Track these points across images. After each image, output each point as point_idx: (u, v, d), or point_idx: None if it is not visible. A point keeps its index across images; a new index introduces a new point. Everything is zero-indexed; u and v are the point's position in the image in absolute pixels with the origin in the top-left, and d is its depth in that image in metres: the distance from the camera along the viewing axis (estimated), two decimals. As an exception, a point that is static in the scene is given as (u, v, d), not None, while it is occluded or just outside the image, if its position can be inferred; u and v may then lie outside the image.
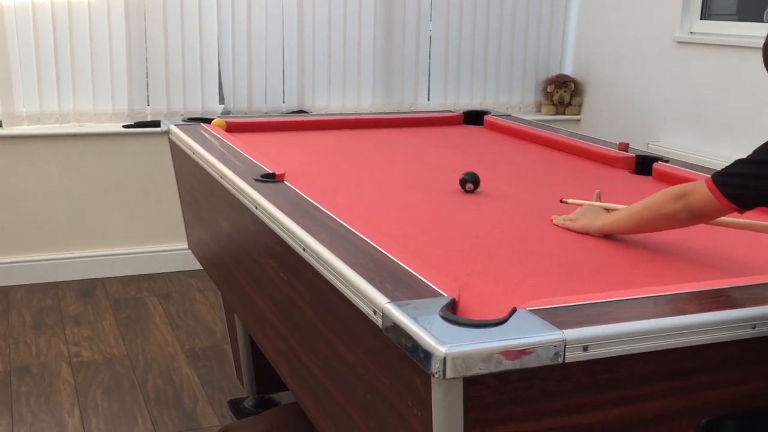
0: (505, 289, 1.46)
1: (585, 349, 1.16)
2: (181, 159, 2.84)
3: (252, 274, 2.10)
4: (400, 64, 4.67)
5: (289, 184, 2.03)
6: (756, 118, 3.81)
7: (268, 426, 2.48)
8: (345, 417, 1.53)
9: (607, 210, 1.86)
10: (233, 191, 2.09)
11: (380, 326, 1.25)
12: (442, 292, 1.31)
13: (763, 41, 1.57)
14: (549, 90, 4.92)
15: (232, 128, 2.94)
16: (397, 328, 1.19)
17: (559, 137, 2.86)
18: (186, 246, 3.12)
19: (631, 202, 1.77)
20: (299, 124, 3.20)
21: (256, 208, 1.90)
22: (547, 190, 2.22)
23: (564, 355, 1.14)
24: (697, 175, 2.23)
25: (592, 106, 4.92)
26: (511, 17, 4.84)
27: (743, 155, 1.53)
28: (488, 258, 1.64)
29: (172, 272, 4.31)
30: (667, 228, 1.68)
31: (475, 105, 4.73)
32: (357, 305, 1.35)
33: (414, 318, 1.18)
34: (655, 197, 1.67)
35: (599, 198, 1.94)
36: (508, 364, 1.12)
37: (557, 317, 1.20)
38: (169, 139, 2.95)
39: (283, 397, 2.90)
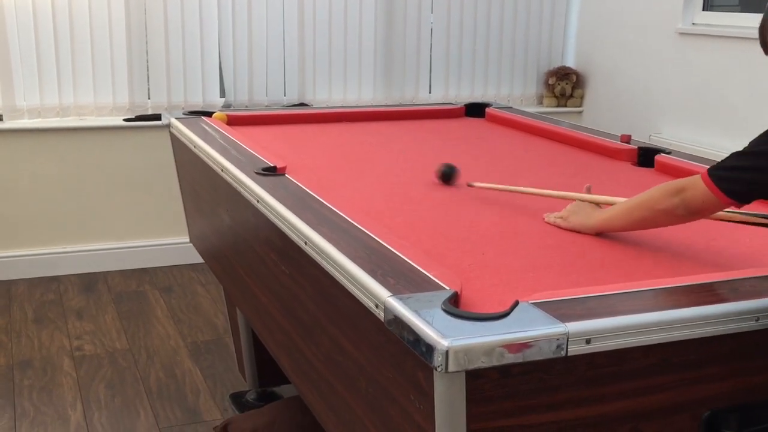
0: (507, 282, 1.46)
1: (588, 342, 1.16)
2: (182, 152, 2.83)
3: (253, 268, 2.10)
4: (402, 56, 4.66)
5: (290, 178, 2.03)
6: (758, 110, 3.80)
7: (271, 419, 2.48)
8: (347, 410, 1.53)
9: (599, 205, 1.79)
10: (234, 185, 2.09)
11: (382, 320, 1.25)
12: (445, 286, 1.30)
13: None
14: (550, 82, 4.91)
15: (233, 121, 2.94)
16: (399, 322, 1.19)
17: (560, 129, 2.85)
18: (187, 239, 3.11)
19: (633, 194, 1.73)
20: (300, 117, 3.19)
21: (258, 201, 1.89)
22: (549, 183, 2.22)
23: (567, 348, 1.14)
24: (699, 167, 2.22)
25: (593, 98, 4.91)
26: (513, 9, 4.82)
27: (745, 147, 1.50)
28: (490, 251, 1.63)
29: (173, 266, 4.31)
30: (664, 225, 1.63)
31: (477, 97, 4.72)
32: (359, 299, 1.34)
33: (416, 311, 1.18)
34: (650, 193, 1.62)
35: (590, 192, 1.86)
36: (511, 358, 1.11)
37: (560, 310, 1.20)
38: (170, 132, 2.94)
39: (285, 391, 2.90)
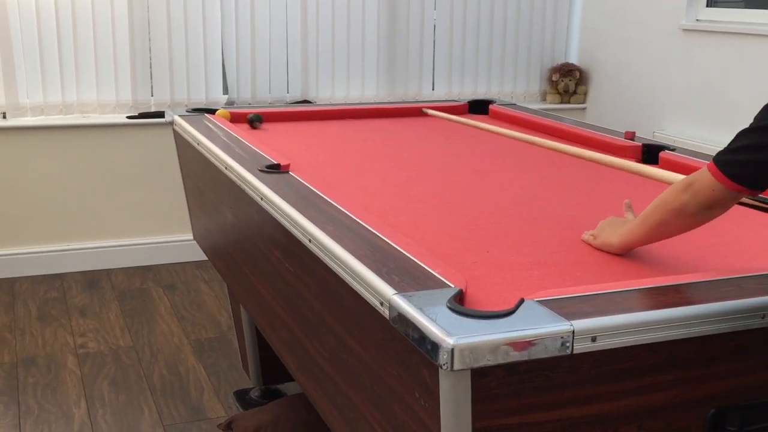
0: (512, 279, 1.45)
1: (593, 339, 1.15)
2: (186, 150, 2.83)
3: (257, 265, 2.10)
4: (405, 53, 4.65)
5: (294, 175, 2.03)
6: (762, 106, 3.79)
7: (275, 416, 2.48)
8: (351, 408, 1.53)
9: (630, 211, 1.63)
10: (238, 182, 2.08)
11: (387, 317, 1.24)
12: (449, 283, 1.30)
13: None
14: (554, 79, 4.90)
15: (236, 119, 2.93)
16: (404, 320, 1.19)
17: (564, 126, 2.85)
18: (191, 237, 3.11)
19: (635, 192, 1.72)
20: (303, 114, 3.19)
21: (261, 199, 1.89)
22: (552, 180, 2.21)
23: (572, 345, 1.14)
24: (704, 163, 2.20)
25: (597, 94, 4.90)
26: (516, 5, 4.82)
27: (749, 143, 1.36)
28: (495, 248, 1.63)
29: (177, 263, 4.31)
30: (681, 228, 1.46)
31: (480, 94, 4.72)
32: (363, 296, 1.34)
33: (421, 309, 1.18)
34: (663, 194, 1.47)
35: (630, 209, 1.66)
36: (516, 356, 1.11)
37: (565, 308, 1.20)
38: (173, 129, 2.94)
39: (289, 388, 2.90)
